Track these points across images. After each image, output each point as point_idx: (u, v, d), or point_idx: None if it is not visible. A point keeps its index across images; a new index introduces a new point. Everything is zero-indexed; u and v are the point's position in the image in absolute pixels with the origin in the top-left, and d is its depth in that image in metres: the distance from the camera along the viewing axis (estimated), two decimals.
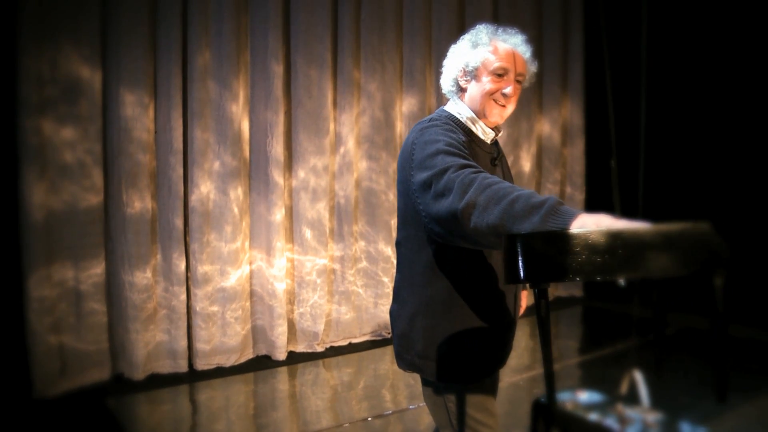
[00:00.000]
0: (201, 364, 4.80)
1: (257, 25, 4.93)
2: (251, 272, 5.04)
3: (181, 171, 4.67)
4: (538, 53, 6.76)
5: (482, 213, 1.69)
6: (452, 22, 6.02)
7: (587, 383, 4.63)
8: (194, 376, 4.70)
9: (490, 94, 2.13)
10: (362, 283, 5.56)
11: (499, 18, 6.45)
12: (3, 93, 4.01)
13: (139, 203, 4.49)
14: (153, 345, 4.65)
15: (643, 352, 5.17)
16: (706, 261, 1.47)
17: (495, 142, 2.28)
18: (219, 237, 4.80)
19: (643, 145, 6.14)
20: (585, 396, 2.48)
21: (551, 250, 1.42)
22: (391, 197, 5.63)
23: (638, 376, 2.28)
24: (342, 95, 5.38)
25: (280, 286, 5.03)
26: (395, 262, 5.03)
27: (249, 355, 5.04)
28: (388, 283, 5.66)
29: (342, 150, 5.38)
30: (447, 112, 2.22)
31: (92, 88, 4.30)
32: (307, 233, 5.20)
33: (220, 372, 4.77)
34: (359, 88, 5.49)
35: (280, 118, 5.01)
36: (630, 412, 2.28)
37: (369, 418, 4.00)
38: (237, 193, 4.85)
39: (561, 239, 1.42)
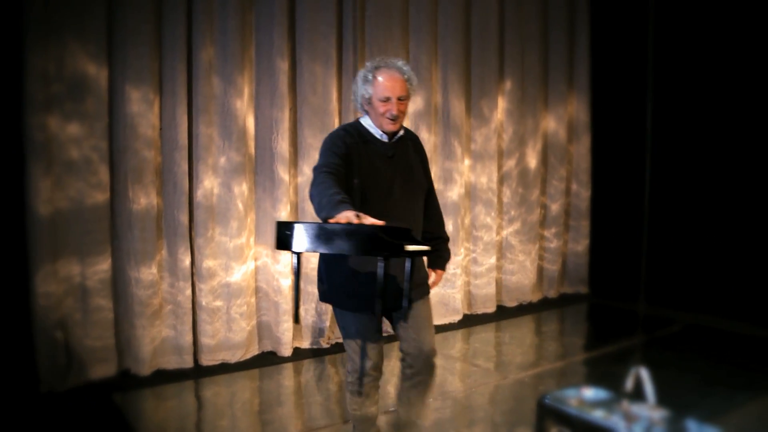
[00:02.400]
0: (206, 360, 4.81)
1: (262, 21, 4.93)
2: (256, 268, 5.05)
3: (186, 167, 4.67)
4: (543, 49, 6.76)
5: (313, 202, 2.67)
6: (458, 19, 6.00)
7: (593, 380, 4.63)
8: (200, 372, 4.71)
9: (382, 115, 2.95)
10: None
11: (505, 14, 6.44)
12: (9, 90, 4.03)
13: (144, 199, 4.50)
14: (159, 341, 4.66)
15: (649, 350, 5.16)
16: (372, 250, 2.39)
17: (399, 140, 3.07)
18: (224, 232, 4.81)
19: (650, 141, 6.13)
20: (590, 393, 2.49)
21: (288, 234, 2.51)
22: None
23: (644, 374, 2.28)
24: (347, 92, 5.37)
25: (286, 283, 5.03)
26: None
27: (254, 351, 5.05)
28: None
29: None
30: (359, 121, 3.09)
31: (98, 85, 4.31)
32: None
33: (225, 368, 4.78)
34: None
35: (285, 115, 5.01)
36: (635, 409, 2.28)
37: None
38: (242, 189, 4.85)
39: (290, 228, 2.51)
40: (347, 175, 2.85)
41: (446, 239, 3.33)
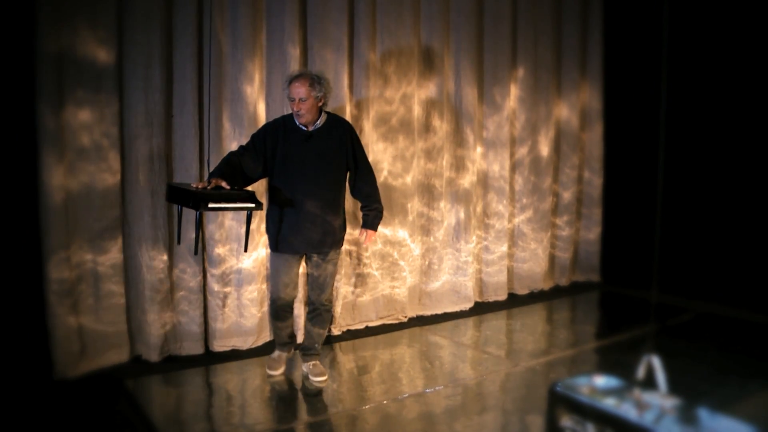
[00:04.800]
0: (217, 346, 4.83)
1: (273, 7, 4.90)
2: (267, 255, 5.05)
3: (197, 154, 4.67)
4: (556, 36, 6.71)
5: None
6: (471, 6, 5.96)
7: (604, 368, 4.62)
8: (211, 358, 4.74)
9: (292, 109, 4.02)
10: (377, 265, 5.56)
11: (518, 1, 6.39)
12: (21, 77, 4.03)
13: (155, 186, 4.50)
14: (170, 327, 4.68)
15: (661, 338, 5.14)
16: (188, 203, 3.64)
17: (317, 129, 4.06)
18: (235, 218, 4.82)
19: (663, 129, 6.08)
20: (602, 381, 2.48)
21: (167, 192, 4.04)
22: (408, 180, 5.62)
23: (656, 362, 2.27)
24: (358, 78, 5.35)
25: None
26: (410, 244, 5.16)
27: (266, 338, 5.06)
28: (404, 266, 5.66)
29: (358, 133, 5.36)
30: (291, 114, 4.09)
31: (109, 71, 4.31)
32: None
33: (236, 354, 4.81)
34: (375, 71, 5.46)
35: None
36: (647, 397, 2.28)
37: (385, 402, 4.02)
38: None
39: (167, 187, 4.09)
40: (268, 153, 4.03)
41: (373, 207, 4.27)
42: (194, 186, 3.74)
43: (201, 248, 4.77)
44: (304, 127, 4.06)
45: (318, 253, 4.16)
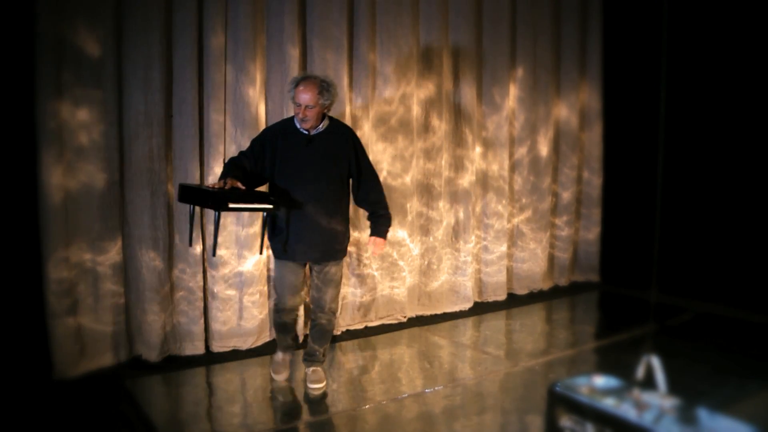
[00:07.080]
0: (217, 347, 4.83)
1: (273, 8, 4.90)
2: (269, 257, 5.05)
3: (197, 154, 4.67)
4: (556, 36, 6.71)
5: None
6: (470, 5, 5.96)
7: (603, 369, 4.62)
8: (211, 359, 4.74)
9: (295, 114, 3.90)
10: (377, 266, 5.56)
11: (517, 1, 6.39)
12: (21, 77, 4.03)
13: (155, 186, 4.50)
14: (170, 327, 4.68)
15: (660, 339, 5.15)
16: (205, 203, 3.66)
17: (318, 133, 3.95)
18: (236, 221, 4.82)
19: (662, 129, 6.09)
20: (601, 381, 2.48)
21: (179, 192, 3.80)
22: (407, 180, 5.62)
23: (655, 363, 2.27)
24: (357, 78, 5.36)
25: None
26: (409, 244, 5.14)
27: (266, 338, 5.06)
28: (403, 266, 5.66)
29: (358, 133, 5.35)
30: (292, 117, 4.01)
31: (109, 71, 4.31)
32: None
33: (236, 355, 4.81)
34: (375, 71, 5.46)
35: None
36: (646, 397, 2.28)
37: (384, 402, 4.02)
38: None
39: (180, 187, 3.81)
40: (267, 158, 3.94)
41: (381, 214, 4.09)
42: (210, 186, 3.68)
43: (205, 250, 4.77)
44: (305, 131, 3.93)
45: (321, 261, 4.04)
